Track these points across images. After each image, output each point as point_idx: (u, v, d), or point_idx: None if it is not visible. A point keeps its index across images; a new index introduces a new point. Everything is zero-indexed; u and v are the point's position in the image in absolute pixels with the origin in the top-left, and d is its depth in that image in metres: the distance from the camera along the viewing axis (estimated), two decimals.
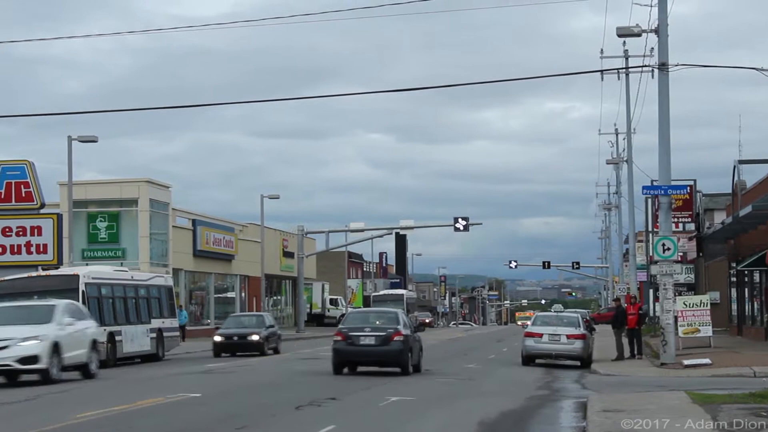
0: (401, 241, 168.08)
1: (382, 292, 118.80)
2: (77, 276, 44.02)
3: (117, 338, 45.27)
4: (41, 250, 51.85)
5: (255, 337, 52.60)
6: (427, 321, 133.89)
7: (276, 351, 54.40)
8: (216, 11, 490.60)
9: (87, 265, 58.49)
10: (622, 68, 64.30)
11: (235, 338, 52.72)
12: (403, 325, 37.75)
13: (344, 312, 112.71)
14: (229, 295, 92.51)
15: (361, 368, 38.07)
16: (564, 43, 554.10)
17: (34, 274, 46.22)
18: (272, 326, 55.38)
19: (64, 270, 48.41)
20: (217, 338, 53.30)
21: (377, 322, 38.27)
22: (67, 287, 43.70)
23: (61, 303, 36.49)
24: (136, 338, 47.38)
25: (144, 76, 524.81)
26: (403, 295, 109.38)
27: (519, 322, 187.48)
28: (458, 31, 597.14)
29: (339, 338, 37.29)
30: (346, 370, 37.71)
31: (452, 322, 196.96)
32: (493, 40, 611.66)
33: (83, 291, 43.22)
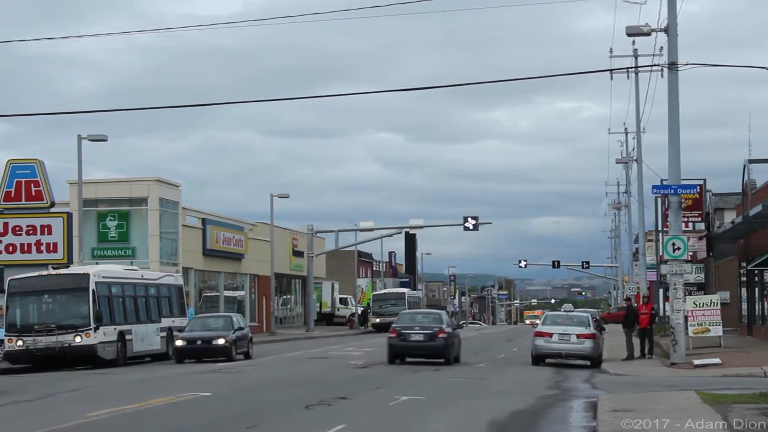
0: (411, 241, 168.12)
1: (383, 291, 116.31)
2: (87, 275, 44.10)
3: (127, 337, 45.39)
4: (51, 249, 51.87)
5: (221, 341, 46.91)
6: None
7: (247, 356, 48.93)
8: (227, 10, 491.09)
9: (97, 264, 58.54)
10: (632, 67, 64.14)
11: (199, 342, 47.11)
12: (446, 324, 45.12)
13: (354, 311, 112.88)
14: (234, 294, 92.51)
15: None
16: (575, 42, 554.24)
17: (44, 273, 46.35)
18: (242, 328, 49.67)
19: (74, 269, 48.46)
20: (179, 342, 47.56)
21: (424, 322, 45.23)
22: (77, 286, 43.84)
23: None
24: (146, 337, 47.48)
25: (155, 75, 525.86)
26: (404, 293, 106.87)
27: (527, 321, 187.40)
28: (468, 31, 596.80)
29: (393, 335, 44.01)
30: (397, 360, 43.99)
31: (461, 322, 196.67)
32: (503, 39, 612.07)
33: (93, 290, 43.31)
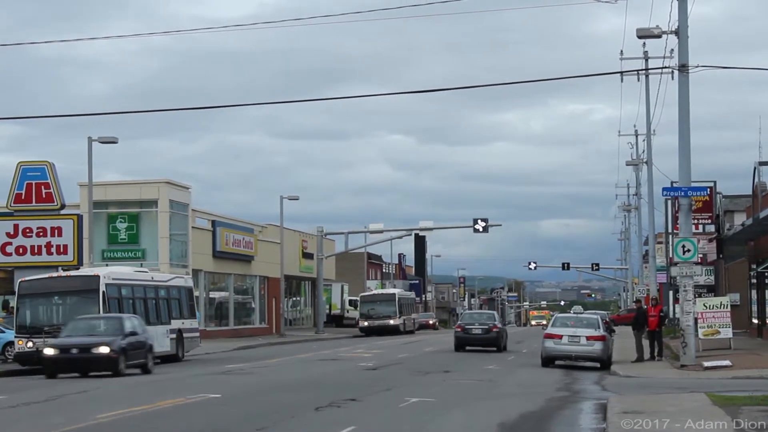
0: (420, 243, 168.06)
1: (371, 292, 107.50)
2: (98, 277, 44.17)
3: None
4: (61, 250, 51.93)
5: (104, 350, 38.21)
6: (430, 322, 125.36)
7: (145, 370, 40.52)
8: (240, 12, 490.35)
9: (107, 265, 58.61)
10: (642, 70, 64.06)
11: (75, 351, 38.46)
12: (497, 321, 61.31)
13: None
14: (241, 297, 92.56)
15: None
16: (587, 44, 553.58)
17: (54, 274, 46.42)
18: (134, 333, 40.56)
19: (84, 271, 48.56)
20: (49, 351, 38.79)
21: (481, 319, 60.94)
22: (87, 288, 43.94)
23: None
24: (156, 339, 47.43)
25: (168, 78, 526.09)
26: (395, 294, 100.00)
27: (533, 322, 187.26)
28: (481, 33, 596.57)
29: (459, 330, 59.58)
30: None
31: (507, 322, 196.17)
32: (516, 41, 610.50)
33: (103, 292, 43.37)
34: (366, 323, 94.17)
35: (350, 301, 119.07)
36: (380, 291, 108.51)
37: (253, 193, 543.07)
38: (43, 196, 52.08)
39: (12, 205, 52.25)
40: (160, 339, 47.93)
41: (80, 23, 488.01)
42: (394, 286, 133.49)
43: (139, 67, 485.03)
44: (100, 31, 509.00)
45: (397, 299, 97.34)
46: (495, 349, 57.06)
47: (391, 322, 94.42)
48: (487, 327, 58.35)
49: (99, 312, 42.84)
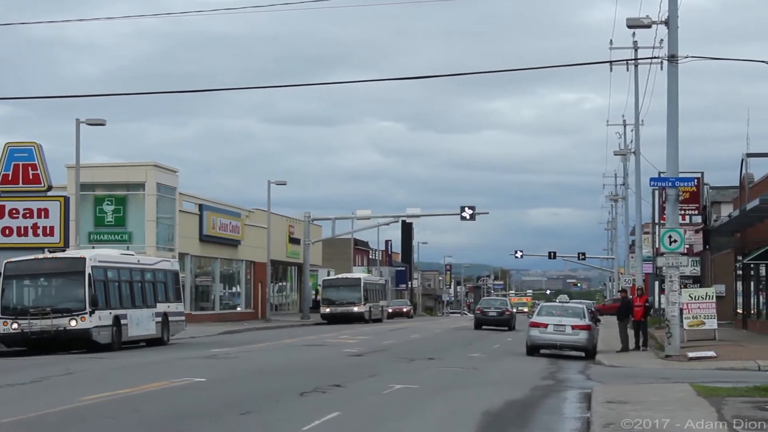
0: (407, 230, 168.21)
1: (334, 277, 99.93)
2: (84, 259, 44.06)
3: (122, 322, 45.33)
4: (48, 232, 51.84)
5: None
6: (404, 310, 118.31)
7: None
8: None
9: (93, 248, 58.49)
10: (631, 60, 64.16)
11: None
12: (509, 306, 78.98)
13: None
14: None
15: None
16: (580, 33, 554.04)
17: (41, 256, 46.29)
18: None
19: (70, 253, 48.46)
20: None
21: (496, 304, 77.50)
22: (73, 270, 43.78)
23: None
24: (141, 322, 47.42)
25: (160, 61, 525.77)
26: (360, 279, 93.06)
27: (513, 309, 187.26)
28: (473, 20, 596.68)
29: (478, 312, 75.35)
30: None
31: (443, 311, 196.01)
32: (508, 29, 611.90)
33: (89, 274, 43.23)
34: (328, 310, 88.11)
35: None
36: (344, 275, 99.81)
37: (242, 178, 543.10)
38: (30, 177, 51.96)
39: None
40: (146, 322, 47.88)
41: (73, 5, 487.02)
42: (380, 273, 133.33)
43: (131, 49, 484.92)
44: (92, 12, 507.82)
45: (362, 284, 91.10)
46: (507, 328, 71.29)
47: (355, 309, 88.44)
48: (501, 310, 73.96)
49: (84, 295, 42.76)
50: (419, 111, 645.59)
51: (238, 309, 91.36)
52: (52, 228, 51.81)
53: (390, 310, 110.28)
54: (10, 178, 51.94)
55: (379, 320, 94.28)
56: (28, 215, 51.97)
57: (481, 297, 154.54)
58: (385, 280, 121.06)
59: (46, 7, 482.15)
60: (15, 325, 42.77)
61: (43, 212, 51.98)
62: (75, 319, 42.63)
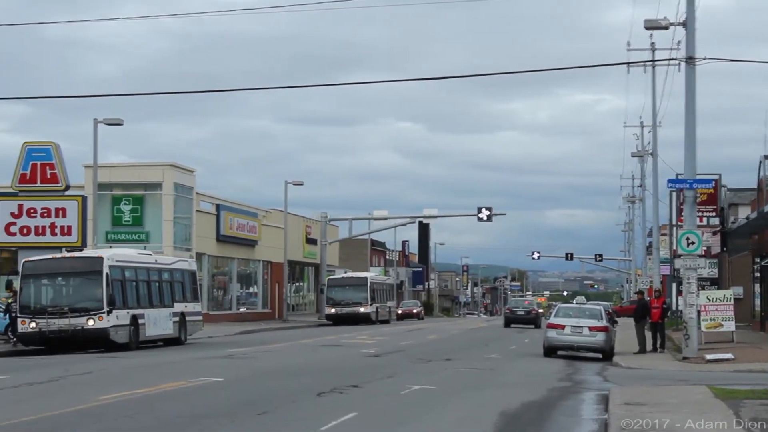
0: (424, 230, 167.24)
1: (340, 276, 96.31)
2: (101, 258, 44.16)
3: (140, 321, 45.43)
4: (65, 231, 51.96)
5: None
6: (414, 311, 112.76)
7: None
8: None
9: (111, 247, 58.66)
10: (649, 61, 63.98)
11: None
12: (536, 306, 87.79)
13: None
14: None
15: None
16: (598, 34, 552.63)
17: (58, 255, 46.40)
18: None
19: (88, 252, 48.59)
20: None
21: (524, 304, 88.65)
22: (91, 269, 43.90)
23: None
24: (159, 322, 47.51)
25: (177, 61, 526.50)
26: (366, 278, 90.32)
27: None
28: (492, 22, 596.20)
29: (507, 311, 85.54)
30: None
31: (459, 312, 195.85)
32: (526, 30, 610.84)
33: (107, 273, 43.33)
34: (333, 310, 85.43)
35: None
36: (350, 274, 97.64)
37: (259, 178, 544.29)
38: (48, 176, 52.08)
39: (17, 185, 52.27)
40: (163, 322, 47.99)
41: (91, 5, 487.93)
42: (397, 274, 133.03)
43: (149, 49, 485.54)
44: (110, 12, 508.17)
45: (369, 284, 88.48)
46: (533, 326, 79.19)
47: (362, 309, 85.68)
48: (528, 310, 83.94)
49: (102, 294, 42.90)
50: (438, 112, 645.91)
51: (256, 309, 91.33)
52: (69, 227, 51.92)
53: (399, 312, 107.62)
54: (28, 178, 52.06)
55: (386, 321, 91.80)
56: (45, 215, 52.09)
57: (498, 298, 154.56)
58: (400, 281, 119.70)
59: (65, 7, 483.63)
60: (33, 324, 42.90)
61: (60, 212, 52.09)
62: (93, 319, 42.75)
